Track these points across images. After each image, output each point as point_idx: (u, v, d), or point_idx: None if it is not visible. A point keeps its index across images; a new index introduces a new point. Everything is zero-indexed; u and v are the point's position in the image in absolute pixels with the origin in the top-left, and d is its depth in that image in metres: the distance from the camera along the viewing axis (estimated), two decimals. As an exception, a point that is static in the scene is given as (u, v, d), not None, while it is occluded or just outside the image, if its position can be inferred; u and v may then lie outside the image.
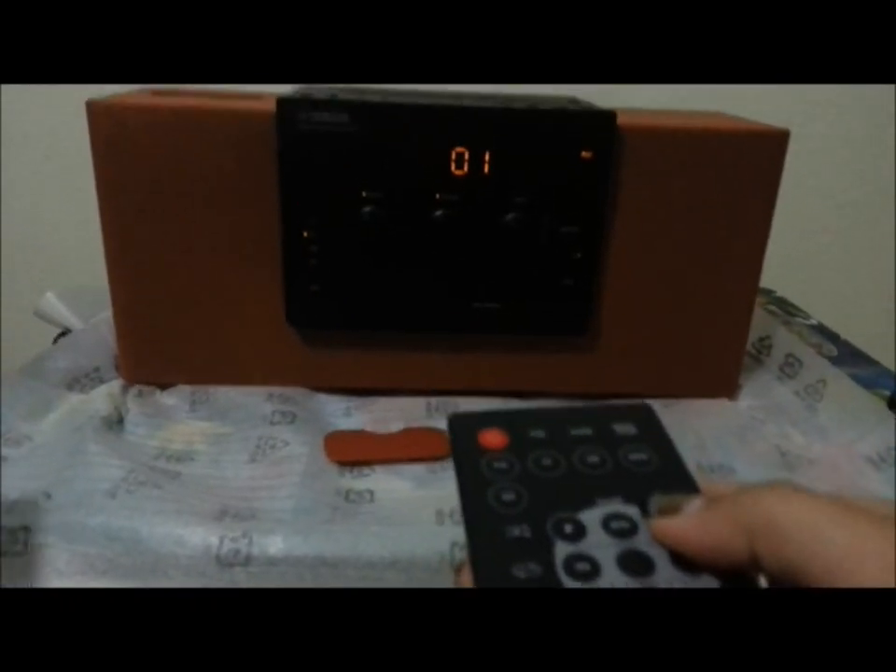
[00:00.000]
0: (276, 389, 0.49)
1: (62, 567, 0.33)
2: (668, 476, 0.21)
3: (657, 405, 0.49)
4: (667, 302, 0.49)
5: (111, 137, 0.43)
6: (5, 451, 0.41)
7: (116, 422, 0.44)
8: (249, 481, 0.40)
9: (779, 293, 0.77)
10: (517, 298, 0.48)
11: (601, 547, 0.19)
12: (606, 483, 0.21)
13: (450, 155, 0.44)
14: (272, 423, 0.45)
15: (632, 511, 0.20)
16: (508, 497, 0.20)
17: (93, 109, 0.42)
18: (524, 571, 0.18)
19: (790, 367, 0.54)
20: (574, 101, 0.50)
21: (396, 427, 0.46)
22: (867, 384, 0.55)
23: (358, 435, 0.45)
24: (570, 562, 0.18)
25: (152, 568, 0.33)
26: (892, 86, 0.80)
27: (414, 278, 0.47)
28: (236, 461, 0.42)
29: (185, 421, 0.46)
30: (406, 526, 0.35)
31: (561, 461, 0.21)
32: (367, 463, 0.42)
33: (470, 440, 0.22)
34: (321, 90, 0.48)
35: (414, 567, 0.33)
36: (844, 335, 0.66)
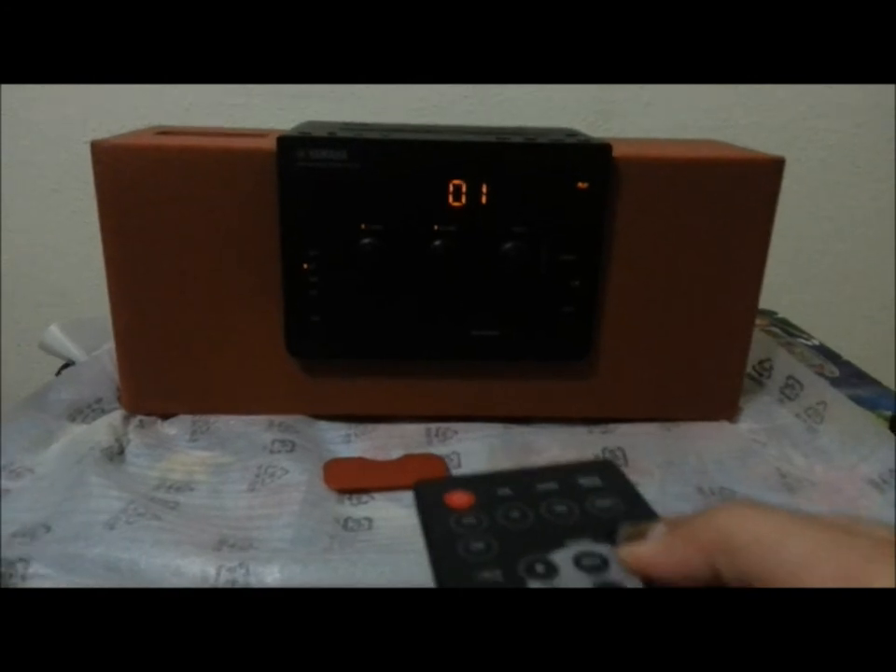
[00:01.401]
0: (277, 418, 0.49)
1: (60, 599, 0.33)
2: (635, 518, 0.21)
3: (658, 428, 0.50)
4: (667, 327, 0.49)
5: (115, 176, 0.44)
6: (7, 483, 0.41)
7: (117, 453, 0.44)
8: (248, 510, 0.40)
9: (782, 314, 0.77)
10: (516, 325, 0.48)
11: (574, 583, 0.19)
12: (574, 527, 0.21)
13: (447, 187, 0.44)
14: (271, 451, 0.45)
15: (602, 548, 0.20)
16: (477, 546, 0.20)
17: (97, 149, 0.44)
18: None
19: (790, 389, 0.54)
20: (571, 133, 0.51)
21: (396, 454, 0.47)
22: (869, 404, 0.55)
23: (358, 462, 0.45)
24: None
25: (150, 599, 0.33)
26: (891, 109, 0.81)
27: (414, 307, 0.47)
28: (236, 490, 0.42)
29: (185, 451, 0.46)
30: (403, 554, 0.35)
31: (529, 513, 0.21)
32: (366, 490, 0.42)
33: (437, 502, 0.22)
34: (321, 127, 0.49)
35: (412, 596, 0.33)
36: (846, 356, 0.66)
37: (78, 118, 0.79)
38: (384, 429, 0.50)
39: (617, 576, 0.19)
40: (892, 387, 0.60)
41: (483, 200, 0.45)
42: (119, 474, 0.42)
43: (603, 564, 0.19)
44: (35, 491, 0.40)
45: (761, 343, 0.59)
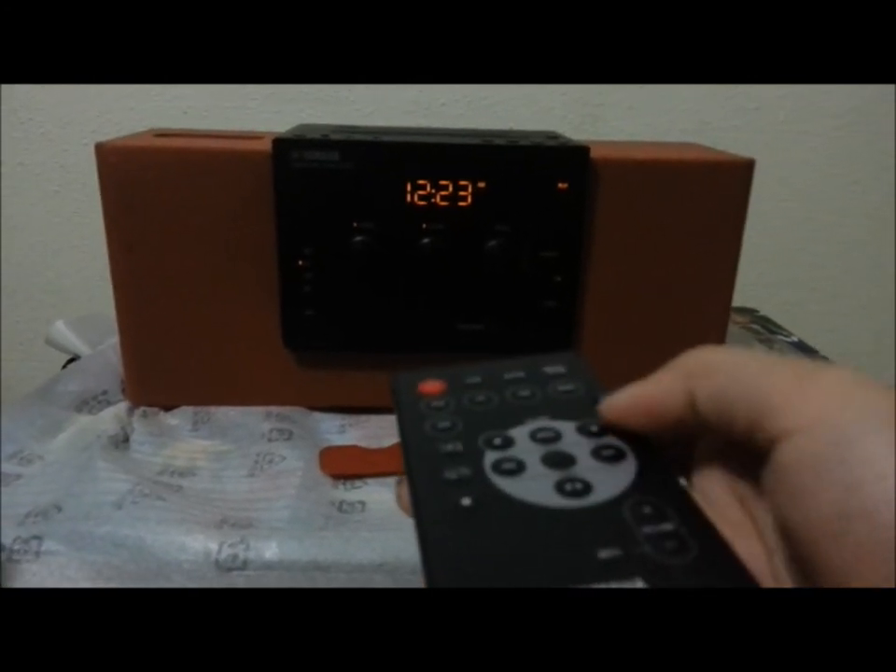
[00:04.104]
0: (274, 409, 0.51)
1: (71, 574, 0.35)
2: (593, 400, 0.22)
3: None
4: (645, 320, 0.52)
5: (118, 177, 0.46)
6: (18, 469, 0.43)
7: (122, 441, 0.47)
8: (248, 493, 0.42)
9: (763, 313, 0.80)
10: (501, 319, 0.50)
11: (527, 452, 0.20)
12: (535, 407, 0.22)
13: (435, 187, 0.47)
14: (269, 440, 0.48)
15: (558, 424, 0.21)
16: (443, 424, 0.22)
17: (102, 151, 0.46)
18: (455, 473, 0.20)
19: (765, 382, 0.56)
20: (553, 135, 0.54)
21: (388, 442, 0.49)
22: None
23: (352, 450, 0.48)
24: (498, 464, 0.20)
25: (156, 574, 0.35)
26: (869, 113, 0.83)
27: (403, 302, 0.50)
28: (236, 476, 0.44)
29: (187, 439, 0.48)
30: (393, 532, 0.37)
31: (494, 398, 0.23)
32: (359, 476, 0.45)
33: (411, 390, 0.24)
34: (314, 130, 0.51)
35: (400, 569, 0.35)
36: (825, 353, 0.69)
37: (79, 121, 0.81)
38: (376, 420, 0.52)
39: (568, 445, 0.20)
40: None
41: (469, 199, 0.47)
42: (125, 460, 0.44)
43: (556, 436, 0.21)
44: (46, 475, 0.42)
45: (739, 338, 0.62)
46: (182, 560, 0.35)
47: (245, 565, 0.35)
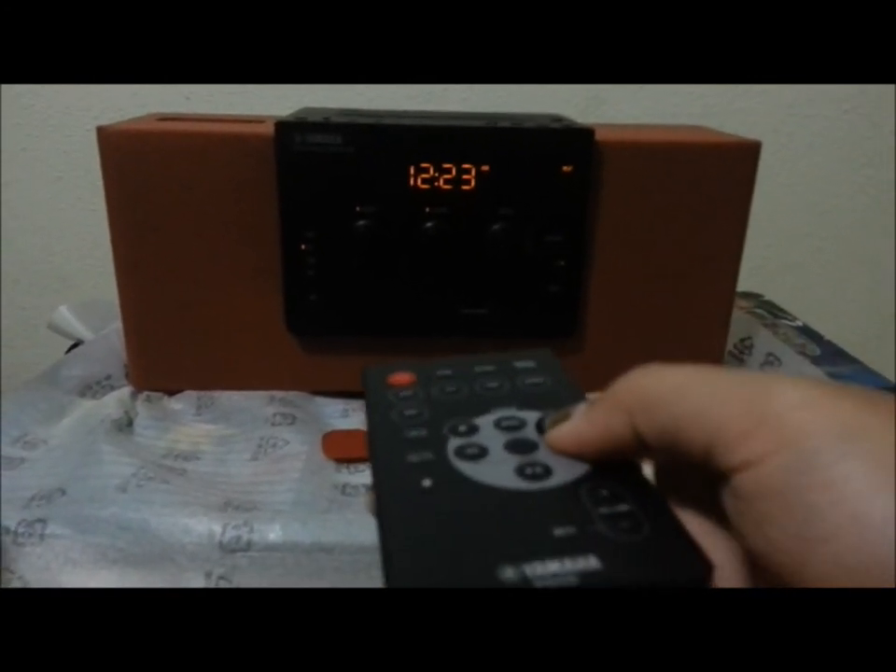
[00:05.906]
0: (278, 393, 0.52)
1: (76, 557, 0.36)
2: (561, 393, 0.22)
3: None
4: (649, 304, 0.51)
5: (120, 160, 0.46)
6: (23, 453, 0.43)
7: (126, 425, 0.47)
8: (251, 477, 0.42)
9: (768, 297, 0.79)
10: (505, 304, 0.50)
11: (491, 438, 0.20)
12: (502, 397, 0.22)
13: (439, 171, 0.46)
14: (273, 424, 0.48)
15: (524, 414, 0.21)
16: (410, 412, 0.22)
17: (103, 134, 0.46)
18: (417, 457, 0.20)
19: (769, 365, 0.56)
20: (557, 118, 0.53)
21: (391, 427, 0.49)
22: (847, 380, 0.57)
23: (355, 434, 0.48)
24: (461, 449, 0.20)
25: (160, 555, 0.35)
26: (877, 96, 0.82)
27: (407, 286, 0.49)
28: (240, 459, 0.44)
29: (191, 424, 0.48)
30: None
31: (463, 388, 0.23)
32: (362, 460, 0.45)
33: (381, 382, 0.23)
34: (317, 113, 0.51)
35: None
36: (831, 337, 0.68)
37: (82, 106, 0.81)
38: (379, 404, 0.52)
39: (531, 433, 0.20)
40: (872, 365, 0.62)
41: (473, 183, 0.47)
42: (129, 444, 0.44)
43: (521, 425, 0.21)
44: (50, 459, 0.43)
45: (743, 323, 0.62)
46: (186, 542, 0.35)
47: (248, 546, 0.35)
